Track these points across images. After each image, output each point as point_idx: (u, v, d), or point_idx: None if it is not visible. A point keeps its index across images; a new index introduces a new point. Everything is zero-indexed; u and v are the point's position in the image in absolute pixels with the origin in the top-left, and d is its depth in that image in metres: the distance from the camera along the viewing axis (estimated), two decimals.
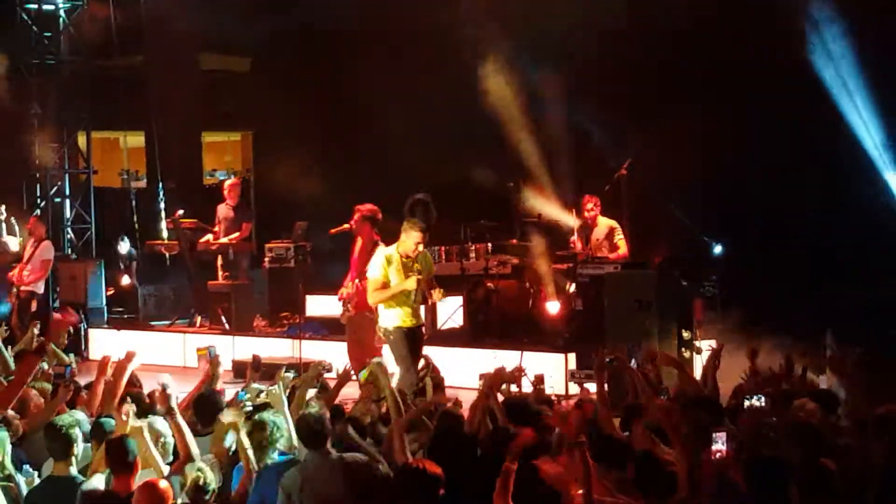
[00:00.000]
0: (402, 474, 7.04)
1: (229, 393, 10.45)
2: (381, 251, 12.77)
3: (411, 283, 12.32)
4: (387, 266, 12.39)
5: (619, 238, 15.99)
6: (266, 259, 19.08)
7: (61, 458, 7.89)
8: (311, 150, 21.14)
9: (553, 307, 15.70)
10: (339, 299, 14.32)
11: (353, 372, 10.32)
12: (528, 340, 15.64)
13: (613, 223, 16.14)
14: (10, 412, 8.77)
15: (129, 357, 9.79)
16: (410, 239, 12.36)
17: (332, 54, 21.33)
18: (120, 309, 20.47)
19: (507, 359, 15.01)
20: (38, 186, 21.22)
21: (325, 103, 21.49)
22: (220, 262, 18.96)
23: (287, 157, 21.16)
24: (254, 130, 24.99)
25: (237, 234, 18.72)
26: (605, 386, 9.46)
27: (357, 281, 13.97)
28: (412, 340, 12.54)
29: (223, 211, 18.91)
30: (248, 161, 25.66)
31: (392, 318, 12.49)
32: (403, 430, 8.31)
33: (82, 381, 10.42)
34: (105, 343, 18.84)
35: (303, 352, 16.63)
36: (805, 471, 6.90)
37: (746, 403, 8.75)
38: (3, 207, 19.05)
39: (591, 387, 12.19)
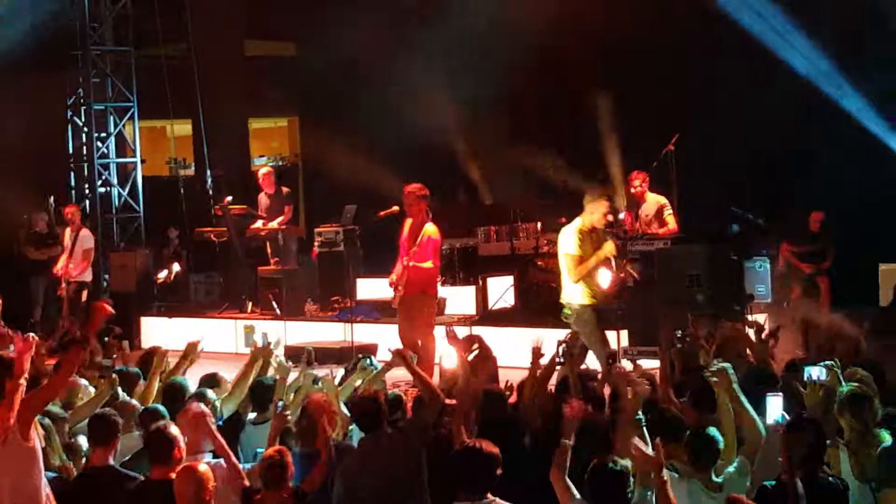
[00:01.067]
0: (461, 454, 7.00)
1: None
2: (571, 228, 12.54)
3: (610, 248, 12.25)
4: (580, 240, 12.28)
5: (669, 214, 15.86)
6: (316, 243, 19.10)
7: (100, 445, 7.91)
8: (359, 134, 21.12)
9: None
10: (390, 285, 14.15)
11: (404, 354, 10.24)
12: None
13: (662, 199, 16.01)
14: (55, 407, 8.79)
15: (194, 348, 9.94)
16: (598, 210, 12.22)
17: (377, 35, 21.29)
18: (170, 297, 20.54)
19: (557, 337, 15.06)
20: (85, 177, 21.35)
21: (370, 86, 21.44)
22: (269, 248, 19.00)
23: (334, 141, 21.16)
24: (300, 115, 24.98)
25: (281, 218, 18.77)
26: (671, 362, 9.38)
27: (406, 261, 13.82)
28: (598, 317, 12.49)
29: (263, 200, 18.99)
30: (296, 146, 25.69)
31: (579, 295, 12.38)
32: (464, 412, 8.26)
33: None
34: (156, 331, 18.95)
35: (354, 335, 16.63)
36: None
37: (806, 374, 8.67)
38: (53, 199, 19.11)
39: (644, 363, 12.15)
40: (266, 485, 7.22)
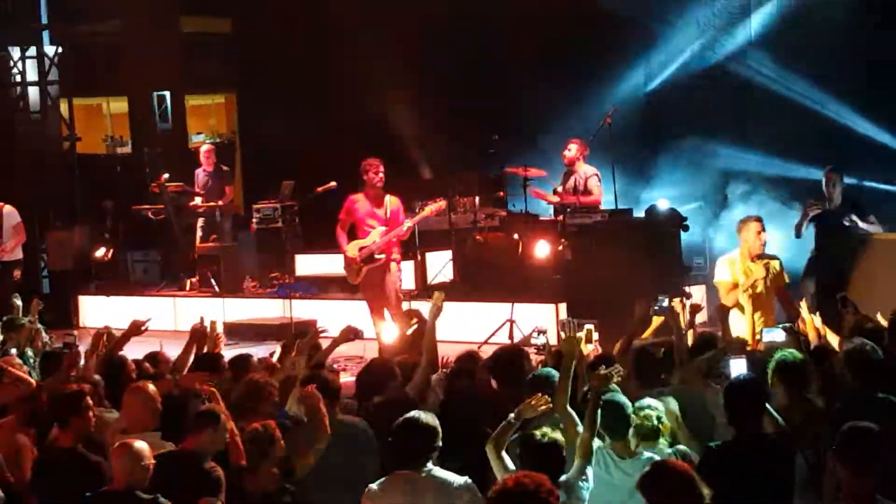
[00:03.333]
0: (400, 426, 7.04)
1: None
2: (722, 260, 12.36)
3: (759, 270, 11.85)
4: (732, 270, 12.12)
5: (595, 185, 15.88)
6: (253, 220, 19.04)
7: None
8: (296, 110, 21.02)
9: (542, 249, 15.58)
10: (358, 260, 13.77)
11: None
12: (519, 291, 15.57)
13: (593, 170, 16.03)
14: None
15: (137, 327, 9.89)
16: (751, 234, 11.92)
17: (313, 11, 21.19)
18: (108, 275, 20.36)
19: (498, 311, 15.12)
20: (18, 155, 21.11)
21: (307, 62, 21.35)
22: (200, 223, 18.90)
23: (272, 118, 21.06)
24: (237, 92, 24.83)
25: (219, 200, 18.73)
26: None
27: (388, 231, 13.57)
28: None
29: (201, 177, 18.92)
30: (233, 123, 25.53)
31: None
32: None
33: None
34: (94, 310, 18.82)
35: (293, 312, 16.61)
36: None
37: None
38: None
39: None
40: (250, 460, 7.19)
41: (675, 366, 8.94)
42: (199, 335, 10.11)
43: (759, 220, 11.92)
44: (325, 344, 10.05)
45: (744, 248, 11.92)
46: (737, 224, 12.23)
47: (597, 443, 7.06)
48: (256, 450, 7.15)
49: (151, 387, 8.22)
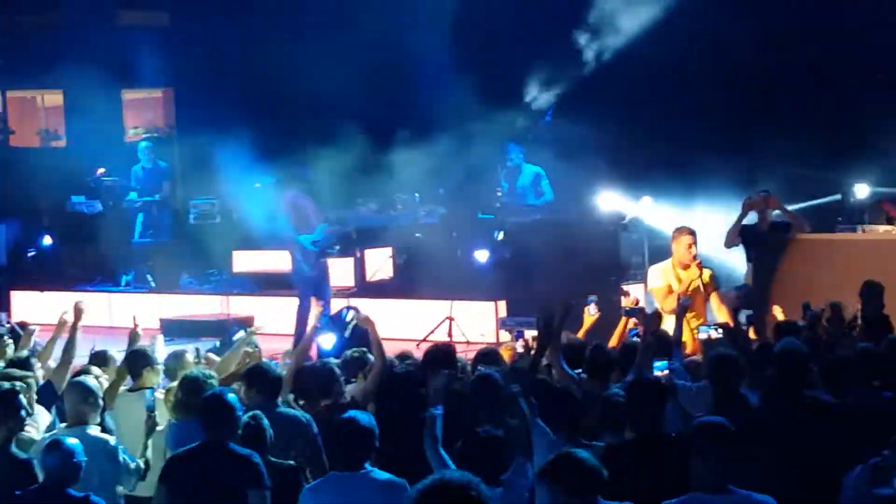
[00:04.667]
0: (338, 426, 6.99)
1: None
2: (654, 266, 12.51)
3: (694, 273, 11.94)
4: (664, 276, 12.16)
5: (545, 183, 15.94)
6: (191, 216, 18.89)
7: None
8: (234, 104, 20.88)
9: (482, 256, 15.63)
10: None
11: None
12: (458, 289, 15.55)
13: (538, 169, 16.08)
14: None
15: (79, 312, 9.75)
16: (682, 246, 12.03)
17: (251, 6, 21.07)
18: (42, 270, 20.12)
19: (436, 309, 15.09)
20: None
21: (245, 56, 21.21)
22: (141, 219, 18.75)
23: (210, 112, 20.90)
24: (174, 86, 24.63)
25: (157, 195, 18.60)
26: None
27: None
28: None
29: (140, 173, 18.77)
30: (171, 117, 25.33)
31: None
32: None
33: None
34: (28, 305, 18.58)
35: (231, 308, 16.51)
36: None
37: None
38: None
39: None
40: None
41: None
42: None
43: (691, 233, 11.99)
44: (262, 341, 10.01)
45: (674, 258, 12.00)
46: (671, 233, 12.30)
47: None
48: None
49: (92, 380, 8.13)
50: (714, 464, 6.22)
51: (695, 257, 11.87)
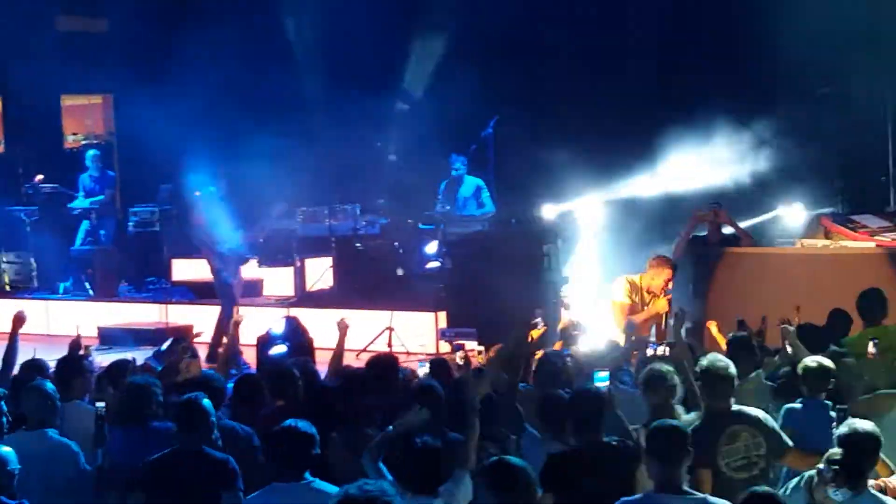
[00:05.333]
0: (277, 434, 6.97)
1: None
2: (623, 277, 12.53)
3: (662, 305, 12.09)
4: (630, 290, 12.16)
5: (486, 195, 16.01)
6: (130, 223, 18.78)
7: None
8: (174, 111, 20.74)
9: (422, 257, 15.64)
10: None
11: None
12: (399, 300, 15.56)
13: (479, 181, 16.15)
14: None
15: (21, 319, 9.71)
16: (660, 276, 12.08)
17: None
18: None
19: (377, 319, 15.08)
20: None
21: (185, 62, 21.07)
22: (85, 227, 18.61)
23: (149, 119, 20.75)
24: (114, 93, 24.46)
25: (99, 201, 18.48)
26: None
27: None
28: None
29: (85, 181, 18.65)
30: (110, 124, 25.15)
31: None
32: None
33: None
34: None
35: (169, 316, 16.41)
36: None
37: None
38: None
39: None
40: None
41: None
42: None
43: (673, 268, 12.05)
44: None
45: (646, 280, 12.04)
46: (651, 257, 12.36)
47: None
48: None
49: (50, 384, 8.13)
50: (668, 465, 6.42)
51: (667, 292, 11.97)
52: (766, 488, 6.32)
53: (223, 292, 14.71)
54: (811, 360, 8.33)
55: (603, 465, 6.97)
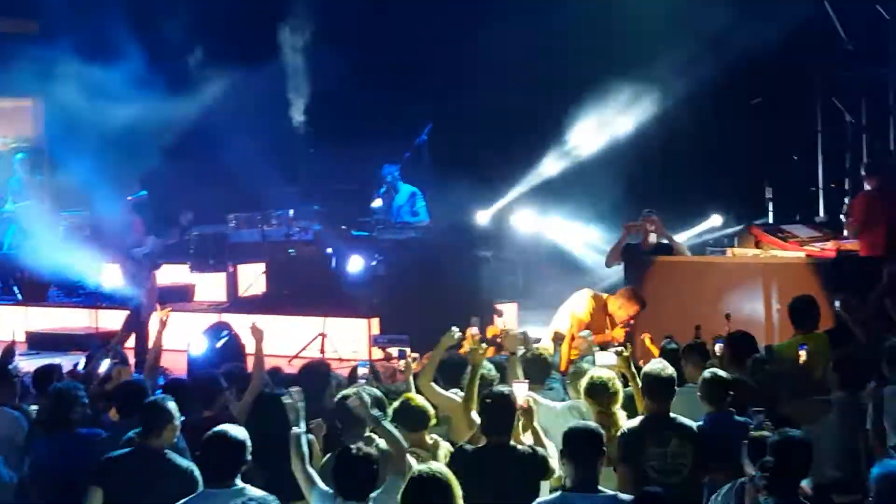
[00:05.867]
0: (207, 440, 6.93)
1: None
2: (591, 293, 12.37)
3: (619, 335, 11.94)
4: (593, 311, 12.07)
5: (421, 204, 16.01)
6: (62, 228, 18.59)
7: None
8: (106, 115, 20.58)
9: (356, 264, 15.57)
10: None
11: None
12: (331, 306, 15.49)
13: (414, 189, 16.16)
14: None
15: None
16: (627, 311, 12.01)
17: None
18: None
19: (308, 325, 15.02)
20: None
21: (117, 65, 20.90)
22: (13, 231, 18.41)
23: (80, 123, 20.57)
24: (44, 96, 24.23)
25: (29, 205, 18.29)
26: None
27: None
28: None
29: (13, 184, 18.46)
30: (40, 127, 24.90)
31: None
32: None
33: None
34: None
35: (99, 321, 16.27)
36: None
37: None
38: None
39: (394, 351, 12.21)
40: None
41: None
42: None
43: (642, 307, 12.03)
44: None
45: (612, 307, 12.02)
46: (625, 289, 12.34)
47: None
48: None
49: None
50: (581, 465, 6.66)
51: (626, 325, 11.96)
52: (657, 489, 6.62)
53: (135, 299, 14.63)
54: (707, 373, 8.40)
55: (505, 469, 7.16)
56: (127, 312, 14.71)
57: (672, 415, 7.86)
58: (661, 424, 7.76)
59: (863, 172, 14.13)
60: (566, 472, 6.79)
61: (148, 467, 7.13)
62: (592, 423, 7.21)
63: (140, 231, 14.70)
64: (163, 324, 9.99)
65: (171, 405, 7.34)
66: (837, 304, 10.18)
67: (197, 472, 7.11)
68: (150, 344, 10.34)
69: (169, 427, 7.27)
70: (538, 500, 6.72)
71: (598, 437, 6.81)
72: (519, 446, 7.39)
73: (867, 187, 13.46)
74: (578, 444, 6.74)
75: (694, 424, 7.87)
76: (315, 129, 18.88)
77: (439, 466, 6.42)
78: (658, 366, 8.11)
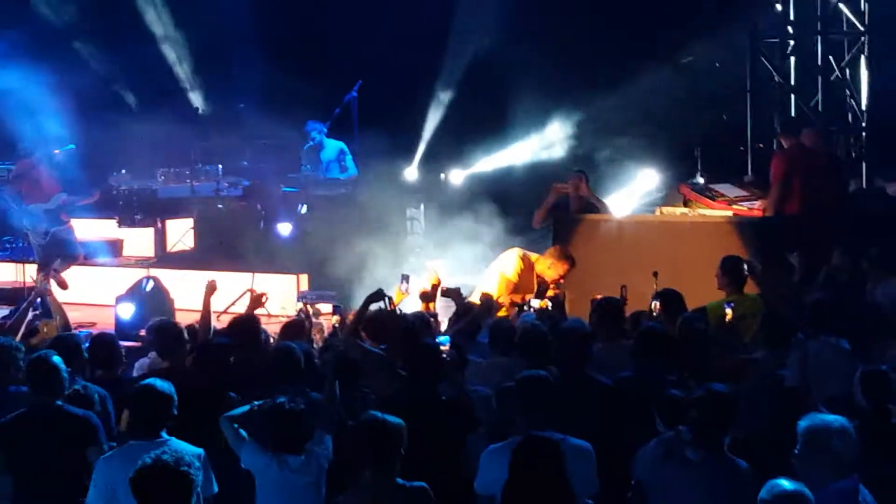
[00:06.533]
0: (135, 394, 6.97)
1: None
2: (519, 255, 12.29)
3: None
4: (521, 269, 11.98)
5: (349, 158, 16.01)
6: None
7: None
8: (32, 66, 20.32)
9: (285, 229, 15.56)
10: None
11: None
12: (260, 262, 15.44)
13: (341, 144, 16.13)
14: None
15: None
16: (556, 271, 11.92)
17: None
18: None
19: (238, 280, 14.97)
20: None
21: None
22: None
23: (8, 71, 20.29)
24: None
25: None
26: None
27: None
28: None
29: None
30: None
31: None
32: None
33: None
34: None
35: (27, 276, 16.12)
36: None
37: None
38: None
39: (323, 308, 12.25)
40: None
41: None
42: None
43: (571, 265, 12.00)
44: None
45: (541, 266, 12.00)
46: (553, 248, 12.33)
47: None
48: None
49: None
50: (536, 413, 6.75)
51: (556, 286, 11.95)
52: (545, 435, 6.51)
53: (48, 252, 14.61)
54: (644, 327, 8.63)
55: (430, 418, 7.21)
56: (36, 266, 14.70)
57: (590, 373, 7.97)
58: (578, 381, 7.82)
59: (779, 131, 14.32)
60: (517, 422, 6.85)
61: (44, 423, 7.14)
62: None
63: (49, 186, 14.62)
64: (211, 289, 9.98)
65: (57, 359, 7.35)
66: (745, 266, 10.29)
67: (95, 420, 7.17)
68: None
69: (56, 381, 7.26)
70: (490, 446, 6.82)
71: (549, 383, 6.94)
72: (443, 396, 7.48)
73: (784, 146, 13.64)
74: (529, 390, 6.85)
75: (607, 381, 7.95)
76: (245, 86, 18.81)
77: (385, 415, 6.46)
78: (575, 322, 8.32)
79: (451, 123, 18.08)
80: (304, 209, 15.68)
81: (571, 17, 16.98)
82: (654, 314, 9.49)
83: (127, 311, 12.62)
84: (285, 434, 6.88)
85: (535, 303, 10.27)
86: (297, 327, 9.79)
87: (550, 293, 11.57)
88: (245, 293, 14.73)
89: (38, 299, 11.43)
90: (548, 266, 11.97)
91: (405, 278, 10.94)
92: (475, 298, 11.31)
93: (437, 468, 6.92)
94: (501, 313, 10.95)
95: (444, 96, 18.29)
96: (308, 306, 11.93)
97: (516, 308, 10.98)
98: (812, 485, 5.54)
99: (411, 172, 16.67)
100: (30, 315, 9.85)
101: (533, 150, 17.84)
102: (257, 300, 10.49)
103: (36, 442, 7.08)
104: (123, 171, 16.53)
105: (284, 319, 11.27)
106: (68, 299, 14.12)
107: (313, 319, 10.56)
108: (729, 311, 9.48)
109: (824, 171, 13.24)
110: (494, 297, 11.24)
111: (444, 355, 7.90)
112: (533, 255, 12.30)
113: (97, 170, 16.70)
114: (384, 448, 6.22)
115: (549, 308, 10.31)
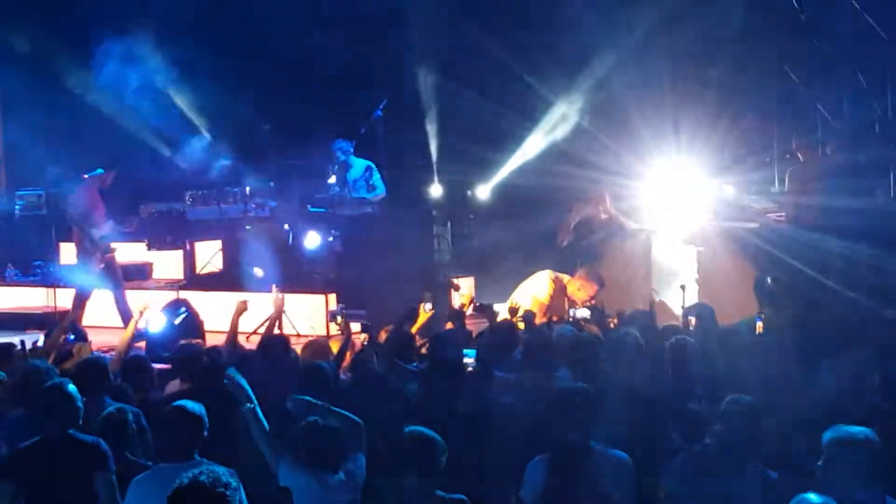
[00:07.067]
0: (167, 416, 7.02)
1: None
2: (552, 275, 12.50)
3: None
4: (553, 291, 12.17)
5: (377, 177, 16.05)
6: (17, 207, 18.52)
7: None
8: (63, 94, 20.48)
9: (313, 239, 15.61)
10: None
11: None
12: (289, 282, 15.51)
13: (369, 163, 16.19)
14: None
15: None
16: (586, 291, 12.08)
17: None
18: None
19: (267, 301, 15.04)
20: None
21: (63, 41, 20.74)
22: None
23: (35, 101, 20.44)
24: None
25: None
26: None
27: None
28: None
29: None
30: None
31: None
32: None
33: None
34: None
35: (57, 300, 16.24)
36: None
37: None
38: None
39: (354, 326, 12.27)
40: None
41: None
42: None
43: (601, 286, 12.15)
44: None
45: (572, 288, 12.14)
46: (582, 266, 12.45)
47: None
48: None
49: None
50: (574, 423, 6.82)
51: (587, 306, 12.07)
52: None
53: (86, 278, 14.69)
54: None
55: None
56: (73, 290, 14.77)
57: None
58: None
59: None
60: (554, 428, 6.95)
61: (55, 451, 7.12)
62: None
63: (102, 214, 14.73)
64: (240, 309, 10.10)
65: (71, 388, 7.32)
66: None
67: (104, 446, 7.13)
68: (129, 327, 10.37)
69: (69, 410, 7.23)
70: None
71: (589, 394, 7.06)
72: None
73: None
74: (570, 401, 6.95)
75: None
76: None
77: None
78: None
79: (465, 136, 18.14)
80: (330, 238, 15.75)
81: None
82: (690, 328, 9.57)
83: (156, 325, 12.71)
84: (322, 452, 6.89)
85: (580, 313, 10.40)
86: (320, 346, 9.82)
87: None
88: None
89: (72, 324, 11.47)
90: (578, 287, 12.12)
91: (429, 297, 11.01)
92: (504, 316, 11.38)
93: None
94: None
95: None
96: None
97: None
98: (837, 496, 5.55)
99: (436, 189, 16.67)
100: (61, 339, 9.92)
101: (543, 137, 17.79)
102: (241, 308, 10.46)
103: (48, 470, 7.07)
104: (152, 207, 16.63)
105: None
106: (98, 323, 14.26)
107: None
108: (759, 324, 9.53)
109: None
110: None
111: (469, 368, 7.97)
112: (564, 277, 12.42)
113: (128, 197, 16.80)
114: (426, 460, 6.36)
115: (590, 317, 10.44)
